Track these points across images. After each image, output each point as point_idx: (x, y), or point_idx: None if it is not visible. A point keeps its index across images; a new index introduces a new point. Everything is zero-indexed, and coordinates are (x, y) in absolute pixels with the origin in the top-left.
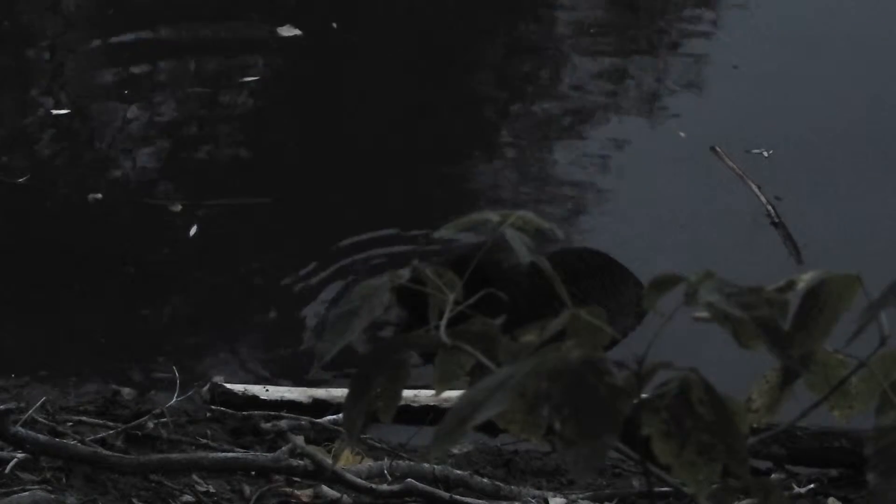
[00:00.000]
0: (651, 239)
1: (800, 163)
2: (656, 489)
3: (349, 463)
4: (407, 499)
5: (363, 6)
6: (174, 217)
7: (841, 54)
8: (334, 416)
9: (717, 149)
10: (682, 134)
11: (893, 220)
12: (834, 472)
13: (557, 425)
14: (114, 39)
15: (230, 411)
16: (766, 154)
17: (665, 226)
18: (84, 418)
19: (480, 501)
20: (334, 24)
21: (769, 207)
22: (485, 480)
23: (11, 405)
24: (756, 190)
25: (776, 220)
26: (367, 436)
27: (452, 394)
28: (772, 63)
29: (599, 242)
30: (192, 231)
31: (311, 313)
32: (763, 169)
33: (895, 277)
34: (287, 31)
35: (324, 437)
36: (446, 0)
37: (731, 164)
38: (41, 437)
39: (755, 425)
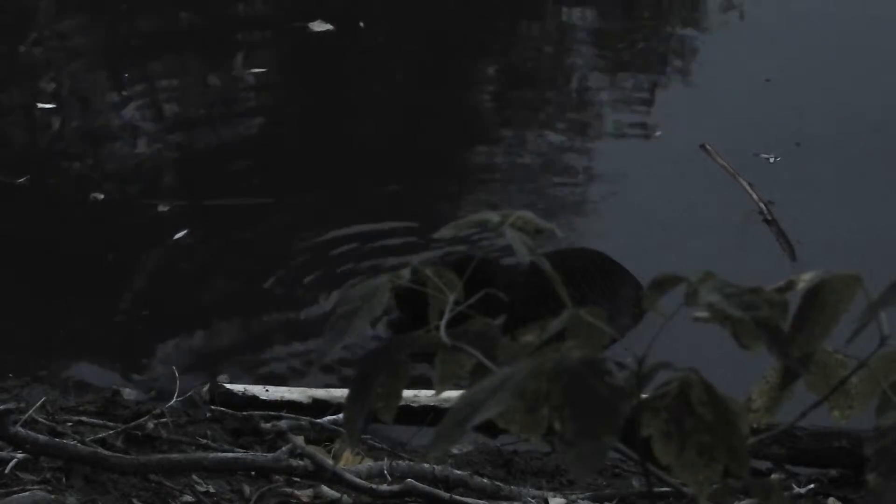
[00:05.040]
0: (649, 238)
1: (794, 162)
2: (656, 489)
3: (349, 463)
4: (407, 499)
5: (388, 5)
6: (174, 217)
7: (839, 57)
8: (334, 416)
9: (707, 147)
10: (658, 133)
11: (890, 219)
12: (834, 472)
13: (557, 425)
14: (119, 36)
15: (230, 411)
16: (771, 160)
17: (662, 225)
18: (84, 418)
19: (480, 501)
20: (361, 24)
21: (761, 205)
22: (485, 480)
23: (11, 405)
24: (748, 188)
25: (769, 218)
26: (367, 436)
27: (452, 394)
28: (769, 66)
29: (598, 243)
30: (183, 233)
31: (311, 313)
32: (756, 168)
33: (894, 277)
34: (318, 25)
35: (324, 437)
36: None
37: (722, 162)
38: (41, 437)
39: (755, 425)
